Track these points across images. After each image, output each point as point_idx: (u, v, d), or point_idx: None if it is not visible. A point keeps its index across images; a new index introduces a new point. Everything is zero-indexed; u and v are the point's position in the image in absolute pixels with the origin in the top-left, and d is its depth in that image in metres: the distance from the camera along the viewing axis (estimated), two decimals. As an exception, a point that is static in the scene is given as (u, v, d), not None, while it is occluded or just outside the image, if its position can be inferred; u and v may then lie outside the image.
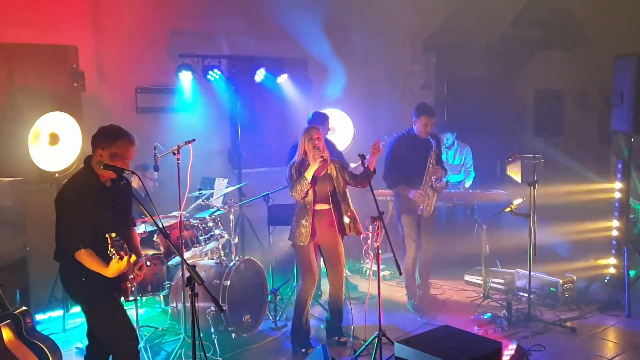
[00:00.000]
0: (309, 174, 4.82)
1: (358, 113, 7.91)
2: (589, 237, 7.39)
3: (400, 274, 4.41)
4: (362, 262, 7.35)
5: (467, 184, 7.64)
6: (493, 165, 8.66)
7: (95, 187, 3.55)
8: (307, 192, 4.86)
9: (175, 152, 4.84)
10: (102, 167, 3.44)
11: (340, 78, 8.25)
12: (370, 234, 4.56)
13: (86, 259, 3.41)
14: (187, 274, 3.12)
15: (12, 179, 5.02)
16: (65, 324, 5.76)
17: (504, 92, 8.99)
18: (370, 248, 6.38)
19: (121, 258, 3.28)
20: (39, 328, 5.59)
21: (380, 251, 4.44)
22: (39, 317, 5.76)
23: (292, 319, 5.17)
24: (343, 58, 8.21)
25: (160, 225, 3.48)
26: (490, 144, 8.61)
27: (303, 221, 4.93)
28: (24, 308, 4.27)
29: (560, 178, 7.67)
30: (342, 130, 7.84)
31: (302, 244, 4.93)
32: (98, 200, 3.53)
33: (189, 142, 4.85)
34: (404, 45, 8.89)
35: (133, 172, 3.54)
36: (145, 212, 3.38)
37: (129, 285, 3.65)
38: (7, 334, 4.00)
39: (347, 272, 7.42)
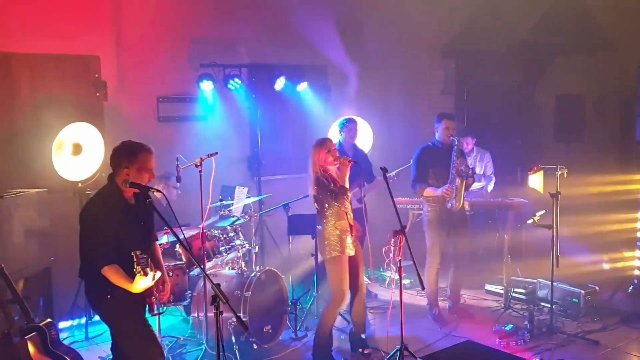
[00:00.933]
0: (346, 182, 4.85)
1: (376, 119, 7.88)
2: (611, 238, 7.32)
3: (423, 288, 4.39)
4: (381, 269, 7.34)
5: (490, 187, 7.58)
6: (513, 171, 8.61)
7: (119, 204, 3.59)
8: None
9: (198, 164, 4.86)
10: (127, 185, 3.47)
11: (359, 84, 8.25)
12: (392, 247, 4.52)
13: (112, 275, 3.45)
14: (209, 287, 3.12)
15: (38, 190, 5.08)
16: (88, 332, 5.81)
17: (524, 97, 8.92)
18: (392, 261, 6.37)
19: (146, 274, 3.31)
20: (62, 336, 5.68)
21: (401, 265, 4.42)
22: (62, 324, 5.82)
23: (314, 331, 5.11)
24: (362, 64, 8.22)
25: (182, 238, 3.50)
26: (511, 149, 8.55)
27: (345, 233, 4.87)
28: (48, 320, 4.30)
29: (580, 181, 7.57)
30: (361, 137, 7.81)
31: (344, 255, 4.87)
32: (122, 217, 3.57)
33: (211, 155, 4.88)
34: (423, 51, 8.84)
35: (158, 191, 3.56)
36: (168, 226, 3.41)
37: (154, 300, 3.67)
38: (32, 347, 4.04)
39: (367, 279, 7.44)
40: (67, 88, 6.14)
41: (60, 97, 6.07)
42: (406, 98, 8.76)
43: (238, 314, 3.24)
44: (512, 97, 8.74)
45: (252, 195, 6.84)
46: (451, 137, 5.83)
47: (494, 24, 8.16)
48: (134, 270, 3.26)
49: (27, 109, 5.91)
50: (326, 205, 4.85)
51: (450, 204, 5.79)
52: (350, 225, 4.90)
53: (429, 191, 5.86)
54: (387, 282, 7.17)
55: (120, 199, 3.60)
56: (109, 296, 3.50)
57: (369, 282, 7.35)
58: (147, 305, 3.71)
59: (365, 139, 7.82)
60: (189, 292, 5.37)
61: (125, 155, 3.60)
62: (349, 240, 4.88)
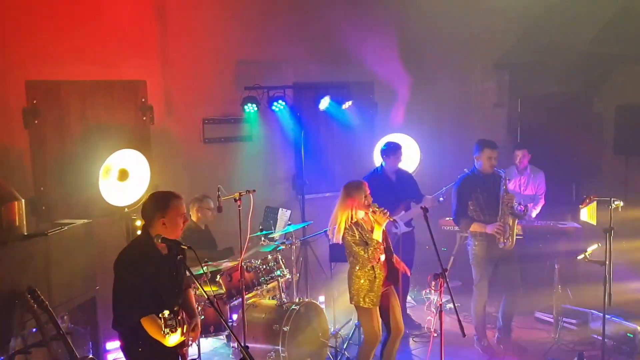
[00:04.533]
0: (378, 236, 4.65)
1: (426, 134, 7.71)
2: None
3: (464, 335, 4.24)
4: (425, 293, 7.18)
5: (534, 213, 7.25)
6: (568, 188, 8.27)
7: (152, 255, 3.63)
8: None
9: (237, 198, 4.87)
10: (159, 241, 3.51)
11: (407, 99, 8.09)
12: (432, 290, 4.39)
13: (149, 326, 3.51)
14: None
15: (84, 221, 5.19)
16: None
17: (582, 108, 8.54)
18: (432, 305, 6.25)
19: (173, 331, 3.34)
20: (110, 357, 5.85)
21: (442, 309, 4.29)
22: (109, 345, 5.97)
23: None
24: (410, 78, 8.04)
25: (211, 297, 3.50)
26: (566, 164, 8.21)
27: (371, 284, 4.72)
28: (90, 357, 4.42)
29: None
30: (408, 155, 7.66)
31: (370, 306, 4.74)
32: (155, 269, 3.61)
33: (249, 191, 4.88)
34: (475, 64, 8.59)
35: (189, 248, 3.58)
36: (199, 285, 3.43)
37: (186, 350, 3.71)
38: (75, 384, 4.16)
39: (412, 300, 7.32)
40: (115, 113, 6.28)
41: (109, 123, 6.20)
42: (457, 112, 8.55)
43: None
44: (569, 108, 8.37)
45: (296, 216, 6.83)
46: (497, 170, 5.61)
47: (550, 37, 7.82)
48: (162, 332, 3.29)
49: (76, 136, 6.07)
50: (353, 251, 4.70)
51: (502, 244, 5.59)
52: (387, 274, 4.77)
53: (476, 226, 5.67)
54: (427, 305, 7.02)
55: (153, 249, 3.64)
56: (140, 349, 3.55)
57: (414, 303, 7.25)
58: (179, 356, 3.75)
59: (412, 156, 7.68)
60: (230, 321, 5.41)
61: (159, 206, 3.66)
62: (375, 289, 4.71)
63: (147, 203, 3.72)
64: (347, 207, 4.71)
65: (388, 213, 4.66)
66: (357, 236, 4.67)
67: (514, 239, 5.65)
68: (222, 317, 3.23)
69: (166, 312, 3.30)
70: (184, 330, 3.43)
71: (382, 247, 4.67)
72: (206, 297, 3.40)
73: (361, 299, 4.74)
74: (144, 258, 3.59)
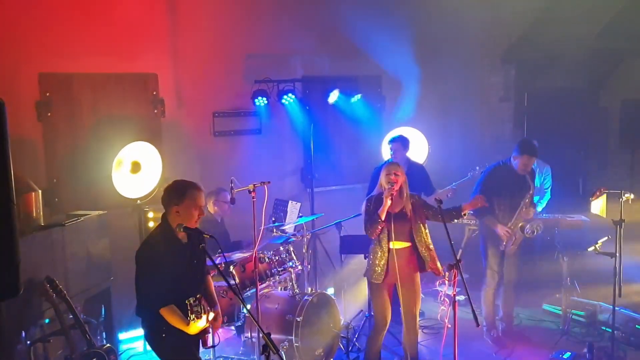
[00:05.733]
0: (382, 213, 4.78)
1: (432, 128, 7.74)
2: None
3: (478, 325, 4.29)
4: (439, 284, 7.21)
5: (539, 207, 7.27)
6: (574, 182, 8.30)
7: (172, 244, 3.67)
8: (382, 229, 4.82)
9: (251, 190, 4.90)
10: (181, 230, 3.55)
11: (414, 93, 8.12)
12: (446, 281, 4.43)
13: (169, 316, 3.55)
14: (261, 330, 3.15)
15: (99, 213, 5.24)
16: (146, 345, 5.98)
17: (588, 102, 8.57)
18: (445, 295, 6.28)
19: (200, 318, 3.38)
20: (121, 348, 5.90)
21: (456, 299, 4.34)
22: (121, 336, 6.03)
23: (363, 353, 5.17)
24: (417, 72, 8.06)
25: (233, 283, 3.55)
26: (572, 158, 8.24)
27: (377, 260, 4.89)
28: (107, 345, 4.47)
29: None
30: (416, 148, 7.70)
31: (375, 281, 4.91)
32: (176, 257, 3.65)
33: (264, 183, 4.90)
34: (482, 58, 8.62)
35: (211, 236, 3.62)
36: (223, 277, 3.48)
37: (207, 337, 3.76)
38: (93, 373, 4.21)
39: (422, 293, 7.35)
40: (127, 106, 6.29)
41: (120, 115, 6.22)
42: (463, 106, 8.56)
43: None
44: (575, 102, 8.40)
45: (305, 208, 6.86)
46: (527, 177, 5.67)
47: (557, 31, 7.84)
48: (189, 318, 3.34)
49: (88, 128, 6.09)
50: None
51: (503, 247, 5.70)
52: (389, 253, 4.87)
53: (489, 220, 5.75)
54: (439, 297, 7.05)
55: (174, 238, 3.68)
56: (164, 335, 3.59)
57: (423, 296, 7.28)
58: (200, 341, 3.80)
59: (420, 150, 7.71)
60: (242, 312, 5.44)
61: (176, 194, 3.69)
62: (381, 265, 4.86)
63: (165, 189, 3.75)
64: (379, 184, 4.96)
65: (391, 192, 4.77)
66: (372, 207, 4.87)
67: (516, 248, 5.81)
68: (244, 305, 3.28)
69: (191, 299, 3.34)
70: (208, 317, 3.48)
71: (381, 224, 4.79)
72: (227, 284, 3.44)
73: (370, 275, 4.95)
74: (165, 247, 3.62)
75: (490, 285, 5.90)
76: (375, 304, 5.02)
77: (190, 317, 3.36)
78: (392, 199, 4.76)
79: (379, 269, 4.87)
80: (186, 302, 3.35)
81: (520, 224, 5.70)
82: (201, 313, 3.40)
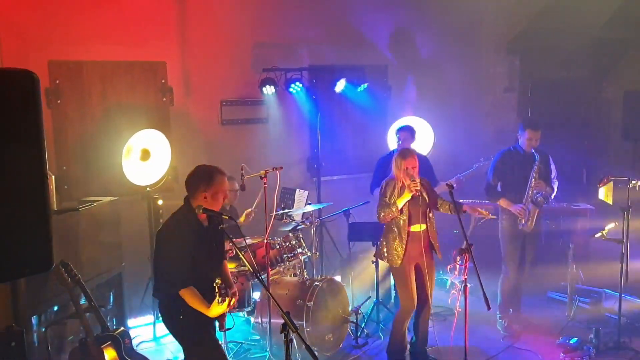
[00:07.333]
0: (400, 202, 4.82)
1: (438, 118, 7.77)
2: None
3: (489, 308, 4.34)
4: (441, 272, 7.28)
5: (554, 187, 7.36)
6: (578, 173, 8.35)
7: (194, 226, 3.70)
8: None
9: (263, 176, 4.93)
10: (201, 211, 3.58)
11: (420, 83, 8.15)
12: (457, 266, 4.48)
13: (189, 297, 3.58)
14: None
15: (111, 198, 5.26)
16: (155, 331, 6.03)
17: (592, 93, 8.61)
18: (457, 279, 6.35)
19: (224, 300, 3.43)
20: (131, 333, 5.92)
21: (468, 284, 4.39)
22: (131, 322, 6.05)
23: (389, 335, 5.21)
24: (424, 62, 8.12)
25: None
26: (576, 149, 8.29)
27: (396, 243, 4.92)
28: (122, 329, 4.50)
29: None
30: (421, 138, 7.73)
31: (396, 265, 4.95)
32: (197, 239, 3.68)
33: (276, 168, 4.93)
34: (486, 48, 8.65)
35: (231, 218, 3.66)
36: (241, 253, 3.51)
37: (224, 319, 3.80)
38: (109, 355, 4.24)
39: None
40: (136, 94, 6.32)
41: (129, 103, 6.24)
42: (468, 96, 8.61)
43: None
44: (579, 93, 8.46)
45: (312, 197, 6.89)
46: (534, 152, 5.70)
47: (562, 21, 7.87)
48: (216, 300, 3.38)
49: (98, 115, 6.12)
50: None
51: (521, 225, 5.73)
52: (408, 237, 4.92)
53: (504, 202, 5.79)
54: (447, 286, 7.12)
55: (195, 221, 3.71)
56: (181, 317, 3.63)
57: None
58: (217, 322, 3.84)
59: (425, 140, 7.74)
60: (253, 298, 5.49)
61: (203, 179, 3.73)
62: (401, 248, 4.91)
63: (192, 175, 3.77)
64: (393, 171, 4.98)
65: (417, 188, 4.79)
66: (388, 196, 4.89)
67: (533, 223, 5.78)
68: (264, 284, 3.31)
69: (218, 280, 3.38)
70: (230, 303, 3.53)
71: (396, 213, 4.84)
72: (248, 267, 3.47)
73: (389, 259, 5.00)
74: (186, 229, 3.66)
75: (508, 276, 5.96)
76: (400, 288, 5.03)
77: (218, 299, 3.40)
78: (417, 192, 4.80)
79: (399, 251, 4.91)
80: (214, 284, 3.40)
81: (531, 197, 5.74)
82: (226, 296, 3.45)
